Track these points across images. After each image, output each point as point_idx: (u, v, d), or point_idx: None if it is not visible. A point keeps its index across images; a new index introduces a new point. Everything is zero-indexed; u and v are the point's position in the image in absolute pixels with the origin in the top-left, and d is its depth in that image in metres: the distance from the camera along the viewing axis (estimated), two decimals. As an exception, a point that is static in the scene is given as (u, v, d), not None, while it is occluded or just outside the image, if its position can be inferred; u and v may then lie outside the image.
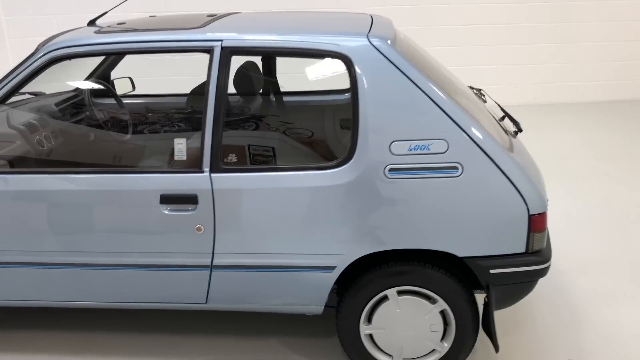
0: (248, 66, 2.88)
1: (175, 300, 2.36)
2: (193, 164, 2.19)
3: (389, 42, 2.17)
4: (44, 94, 3.38)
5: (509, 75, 6.94)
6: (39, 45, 2.30)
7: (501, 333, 2.71)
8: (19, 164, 2.56)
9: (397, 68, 2.12)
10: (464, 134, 2.10)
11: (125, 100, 3.36)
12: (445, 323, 2.29)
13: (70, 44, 2.25)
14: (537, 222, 2.13)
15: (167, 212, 2.19)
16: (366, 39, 2.15)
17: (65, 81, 3.25)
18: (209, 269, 2.25)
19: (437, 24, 6.67)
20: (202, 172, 2.17)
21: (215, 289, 2.29)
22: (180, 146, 2.21)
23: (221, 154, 2.17)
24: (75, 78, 3.21)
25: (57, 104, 3.08)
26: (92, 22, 2.66)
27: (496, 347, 2.29)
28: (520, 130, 2.63)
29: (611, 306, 2.89)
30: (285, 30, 2.27)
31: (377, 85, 2.12)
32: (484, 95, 2.89)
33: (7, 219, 2.27)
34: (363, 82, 2.12)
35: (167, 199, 2.18)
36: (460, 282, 2.23)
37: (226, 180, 2.17)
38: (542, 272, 2.22)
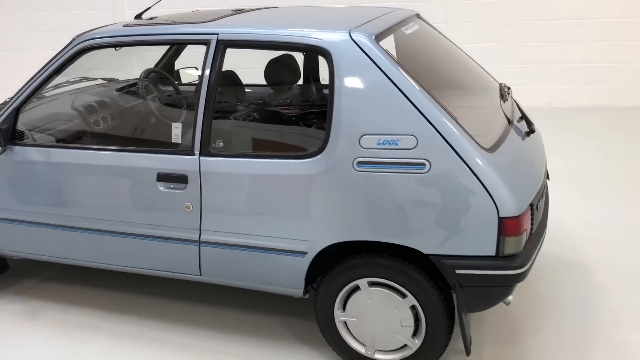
0: (281, 59, 3.04)
1: (175, 270, 2.59)
2: (186, 147, 2.40)
3: (372, 37, 2.20)
4: (118, 80, 3.81)
5: (627, 75, 6.37)
6: (74, 37, 2.63)
7: (502, 340, 2.63)
8: (66, 139, 2.94)
9: (374, 63, 2.15)
10: (435, 131, 2.07)
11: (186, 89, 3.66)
12: (417, 319, 2.29)
13: (95, 37, 2.56)
14: (508, 226, 2.06)
15: (162, 189, 2.42)
16: (347, 34, 2.21)
17: (131, 69, 3.64)
18: (197, 244, 2.45)
19: (545, 18, 6.31)
20: (193, 154, 2.37)
21: (205, 263, 2.49)
22: (177, 130, 2.43)
23: (210, 138, 2.36)
24: (141, 67, 3.57)
25: (118, 90, 3.46)
26: (138, 16, 2.97)
27: (467, 350, 2.25)
28: (532, 131, 2.52)
29: (638, 329, 2.66)
30: (278, 24, 2.38)
31: (352, 79, 2.17)
32: (508, 94, 2.77)
33: (43, 186, 2.65)
34: (340, 75, 2.18)
35: (162, 177, 2.41)
36: (432, 279, 2.21)
37: (212, 163, 2.34)
38: (515, 278, 2.12)
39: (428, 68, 2.40)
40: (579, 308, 2.82)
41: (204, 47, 2.39)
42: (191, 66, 3.84)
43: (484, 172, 2.05)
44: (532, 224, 2.22)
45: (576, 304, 2.85)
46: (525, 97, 6.45)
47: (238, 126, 2.55)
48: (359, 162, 2.15)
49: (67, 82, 3.42)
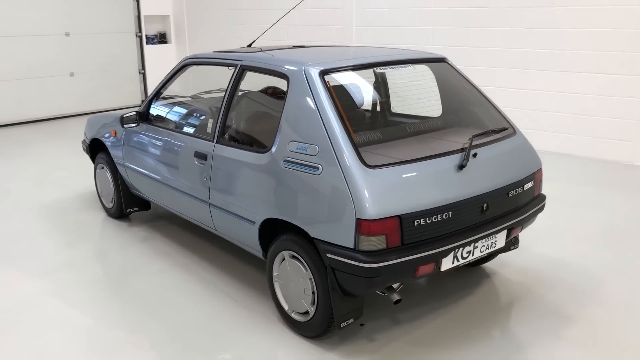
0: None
1: (204, 223, 3.66)
2: (211, 136, 3.45)
3: (318, 71, 2.93)
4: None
5: None
6: (184, 57, 3.91)
7: (421, 344, 2.97)
8: (173, 124, 4.21)
9: (310, 90, 2.88)
10: (330, 145, 2.71)
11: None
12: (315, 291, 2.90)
13: (191, 57, 3.81)
14: (362, 226, 2.56)
15: (196, 163, 3.52)
16: (302, 67, 2.97)
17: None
18: (208, 204, 3.47)
19: None
20: (213, 141, 3.41)
21: (215, 220, 3.49)
22: (209, 124, 3.50)
23: (223, 131, 3.36)
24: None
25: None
26: (249, 46, 4.13)
27: (336, 325, 2.79)
28: (462, 166, 2.85)
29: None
30: (274, 57, 3.26)
31: (296, 99, 2.94)
32: (493, 133, 3.10)
33: (150, 151, 4.01)
34: (290, 94, 2.97)
35: (196, 154, 3.51)
36: (321, 260, 2.81)
37: (219, 148, 3.35)
38: (366, 271, 2.57)
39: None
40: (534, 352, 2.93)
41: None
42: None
43: (353, 181, 2.61)
44: (401, 234, 2.62)
45: (536, 352, 2.93)
46: None
47: (237, 124, 3.52)
48: (284, 160, 2.90)
49: (219, 89, 4.78)
